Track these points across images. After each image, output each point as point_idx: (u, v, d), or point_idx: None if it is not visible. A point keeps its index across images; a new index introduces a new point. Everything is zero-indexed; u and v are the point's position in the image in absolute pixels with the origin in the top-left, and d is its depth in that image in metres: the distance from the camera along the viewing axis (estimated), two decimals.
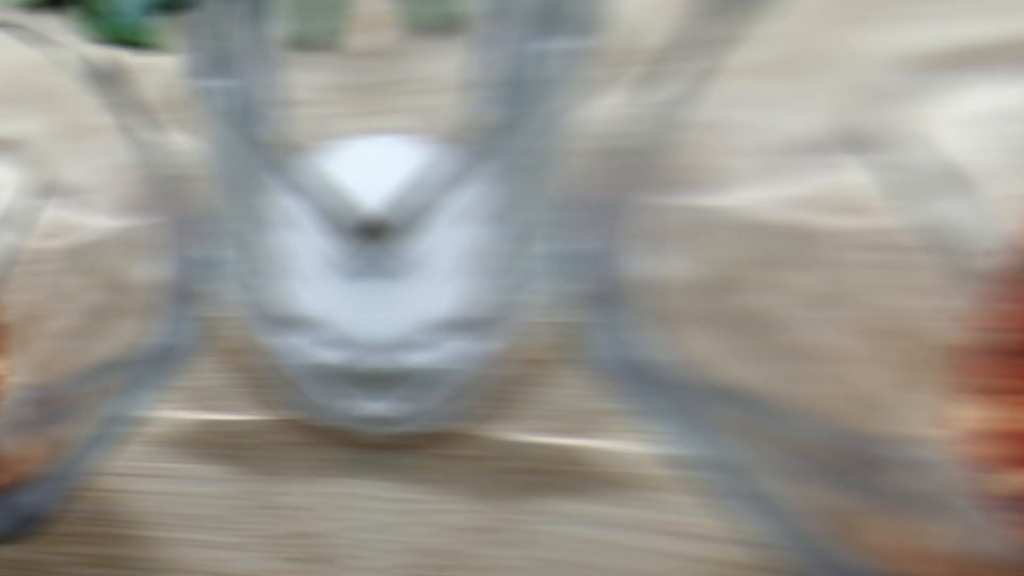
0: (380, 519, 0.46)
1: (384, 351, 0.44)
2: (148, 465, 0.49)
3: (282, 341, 0.47)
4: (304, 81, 0.49)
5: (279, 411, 0.49)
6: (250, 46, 0.48)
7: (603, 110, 0.43)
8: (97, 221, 0.49)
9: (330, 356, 0.46)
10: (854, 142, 0.39)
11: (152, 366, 0.43)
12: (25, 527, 0.45)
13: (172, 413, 0.50)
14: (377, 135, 0.49)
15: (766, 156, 0.39)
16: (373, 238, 0.42)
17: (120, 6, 0.58)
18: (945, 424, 0.39)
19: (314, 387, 0.47)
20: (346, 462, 0.47)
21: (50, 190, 0.50)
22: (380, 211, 0.41)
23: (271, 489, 0.48)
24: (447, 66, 0.47)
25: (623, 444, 0.46)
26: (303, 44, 0.49)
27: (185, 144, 0.49)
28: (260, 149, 0.44)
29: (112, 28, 0.57)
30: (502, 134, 0.41)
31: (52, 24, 0.49)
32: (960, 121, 0.39)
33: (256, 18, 0.48)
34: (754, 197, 0.39)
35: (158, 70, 0.54)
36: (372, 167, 0.48)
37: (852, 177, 0.40)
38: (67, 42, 0.49)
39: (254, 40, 0.48)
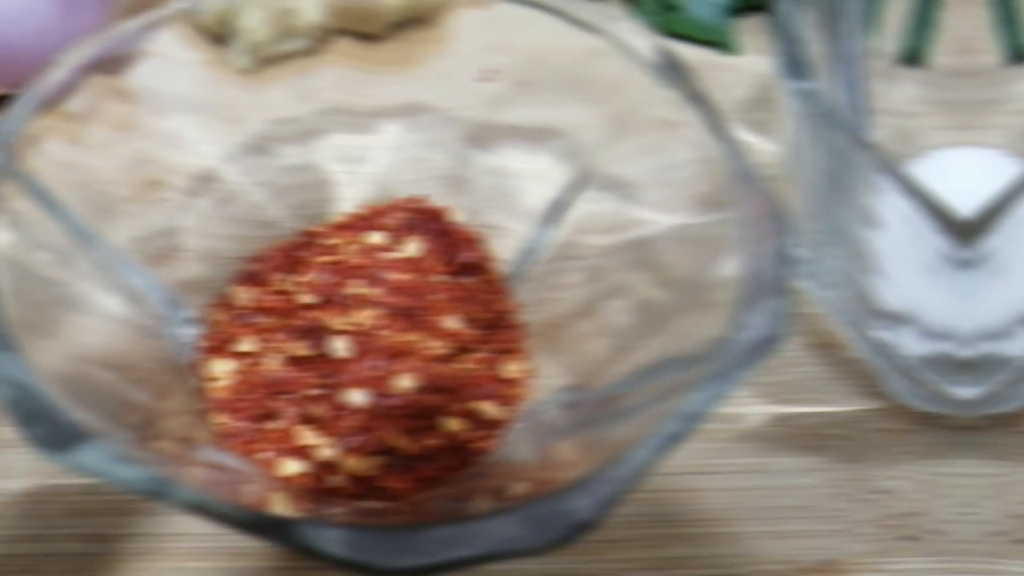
0: (976, 494, 0.47)
1: (981, 341, 0.46)
2: (720, 462, 0.48)
3: (880, 334, 0.48)
4: (897, 93, 0.51)
5: (876, 400, 0.49)
6: (834, 53, 0.49)
7: None
8: (654, 216, 0.45)
9: (928, 347, 0.47)
10: None
11: (731, 362, 0.40)
12: (570, 536, 0.41)
13: (752, 408, 0.49)
14: (969, 148, 0.52)
15: None
16: (969, 239, 0.43)
17: (700, 4, 0.56)
18: None
19: (911, 376, 0.48)
20: (943, 445, 0.48)
21: (590, 182, 0.47)
22: (976, 214, 0.42)
23: (869, 475, 0.48)
24: None
25: None
26: (899, 58, 0.52)
27: (761, 143, 0.47)
28: (853, 152, 0.44)
29: (686, 24, 0.56)
30: None
31: (605, 11, 0.46)
32: None
33: (840, 27, 0.50)
34: None
35: (730, 69, 0.52)
36: (964, 175, 0.51)
37: None
38: (624, 30, 0.46)
39: (839, 48, 0.50)
